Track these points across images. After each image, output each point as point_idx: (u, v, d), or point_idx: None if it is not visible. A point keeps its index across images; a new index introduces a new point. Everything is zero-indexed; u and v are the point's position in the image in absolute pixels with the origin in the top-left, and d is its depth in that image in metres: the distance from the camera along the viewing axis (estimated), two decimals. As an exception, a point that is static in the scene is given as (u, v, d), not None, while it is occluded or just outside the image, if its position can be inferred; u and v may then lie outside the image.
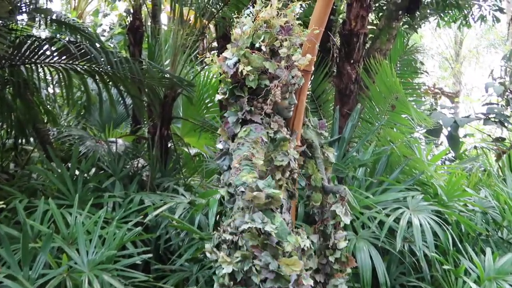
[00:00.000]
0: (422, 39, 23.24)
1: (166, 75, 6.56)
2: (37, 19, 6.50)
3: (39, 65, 6.40)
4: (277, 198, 2.52)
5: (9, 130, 7.65)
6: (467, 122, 9.18)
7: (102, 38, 12.38)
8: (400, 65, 6.86)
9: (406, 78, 7.00)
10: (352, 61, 5.89)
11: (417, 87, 7.42)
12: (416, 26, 9.14)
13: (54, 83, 6.94)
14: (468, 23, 10.08)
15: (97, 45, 6.42)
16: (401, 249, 4.54)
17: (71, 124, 9.31)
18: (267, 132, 2.98)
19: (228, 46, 3.07)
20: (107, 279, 4.07)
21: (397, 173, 5.15)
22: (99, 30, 13.43)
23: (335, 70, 6.42)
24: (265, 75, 2.98)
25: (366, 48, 6.30)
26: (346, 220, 3.18)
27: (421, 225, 4.44)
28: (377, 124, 5.62)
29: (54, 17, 6.41)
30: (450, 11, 9.55)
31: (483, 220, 5.36)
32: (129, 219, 5.14)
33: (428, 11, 9.15)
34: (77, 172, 5.77)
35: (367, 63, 5.94)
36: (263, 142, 2.88)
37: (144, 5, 8.95)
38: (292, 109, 3.16)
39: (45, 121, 7.81)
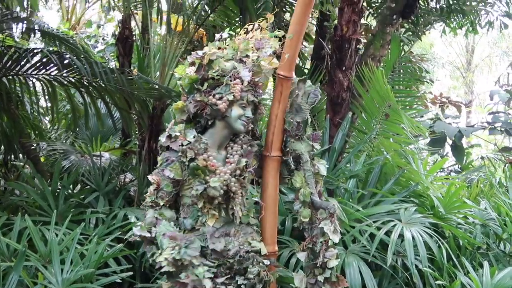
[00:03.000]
0: (432, 47, 23.18)
1: (154, 86, 6.52)
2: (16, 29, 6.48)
3: (21, 77, 6.37)
4: None
5: (-1, 146, 7.67)
6: (472, 132, 9.12)
7: (96, 50, 12.41)
8: (399, 73, 6.78)
9: (403, 85, 6.93)
10: (344, 68, 5.83)
11: (418, 95, 7.36)
12: (420, 33, 9.09)
13: (37, 95, 6.88)
14: (475, 30, 10.01)
15: (82, 56, 6.41)
16: (393, 264, 4.47)
17: (61, 138, 9.30)
18: (182, 161, 3.05)
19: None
20: (81, 299, 4.00)
21: (390, 184, 5.09)
22: (92, 42, 13.47)
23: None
24: (231, 77, 3.08)
25: (359, 54, 6.24)
26: (335, 238, 3.10)
27: (413, 238, 4.36)
28: (370, 133, 5.54)
29: (36, 27, 6.37)
30: (455, 18, 9.48)
31: (483, 233, 5.27)
32: (113, 236, 5.07)
33: (433, 17, 9.07)
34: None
35: (359, 70, 5.88)
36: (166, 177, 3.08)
37: (135, 15, 8.92)
38: (246, 124, 3.10)
39: (32, 135, 7.79)
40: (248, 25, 3.23)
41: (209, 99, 3.05)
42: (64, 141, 8.78)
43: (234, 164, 3.08)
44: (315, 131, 3.43)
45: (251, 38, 3.19)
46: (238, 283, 3.03)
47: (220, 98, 3.03)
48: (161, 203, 3.09)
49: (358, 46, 6.02)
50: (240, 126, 3.09)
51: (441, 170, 10.21)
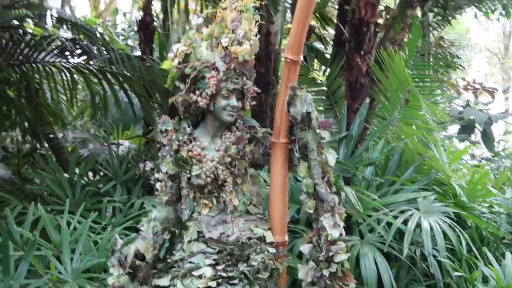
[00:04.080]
0: (468, 33, 22.75)
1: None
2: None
3: (39, 64, 6.40)
4: None
5: (23, 134, 7.75)
6: (502, 118, 8.93)
7: (121, 37, 12.46)
8: (422, 57, 6.64)
9: (428, 70, 6.79)
10: (362, 52, 5.72)
11: (443, 80, 7.22)
12: (450, 17, 8.89)
13: (56, 83, 6.91)
14: (508, 13, 9.76)
15: (100, 43, 6.42)
16: (411, 255, 4.38)
17: (85, 127, 9.37)
18: (170, 154, 3.11)
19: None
20: (91, 289, 4.00)
21: (410, 172, 4.99)
22: (118, 29, 13.53)
23: (350, 63, 6.26)
24: (208, 68, 3.01)
25: (379, 38, 6.13)
26: (334, 233, 2.99)
27: (431, 228, 4.26)
28: (389, 120, 5.45)
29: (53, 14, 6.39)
30: (486, 1, 9.25)
31: (508, 223, 5.14)
32: (130, 225, 5.07)
33: (462, 1, 8.87)
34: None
35: (378, 55, 5.77)
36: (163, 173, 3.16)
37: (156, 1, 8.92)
38: (233, 113, 3.05)
39: (53, 124, 7.85)
40: (222, 2, 3.13)
41: (191, 96, 3.02)
42: (87, 130, 8.85)
43: (222, 151, 3.05)
44: (336, 118, 3.35)
45: (227, 17, 3.06)
46: (240, 269, 3.00)
47: (201, 94, 3.00)
48: (164, 199, 3.20)
49: (376, 30, 5.90)
50: (227, 117, 3.05)
51: (473, 158, 10.06)
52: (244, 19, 3.02)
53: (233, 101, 3.03)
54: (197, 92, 3.00)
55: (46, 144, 7.82)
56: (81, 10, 17.79)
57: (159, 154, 3.17)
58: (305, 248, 3.13)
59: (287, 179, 3.25)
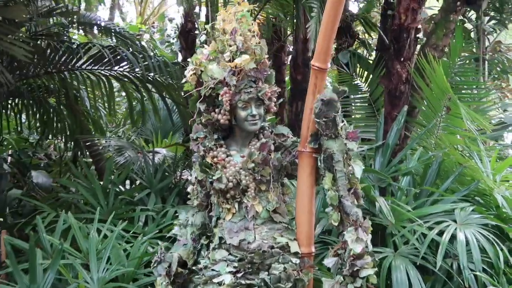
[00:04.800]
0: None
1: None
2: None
3: (77, 72, 6.56)
4: None
5: (65, 142, 7.93)
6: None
7: (164, 45, 12.61)
8: (469, 63, 6.55)
9: (474, 76, 6.70)
10: (402, 59, 5.65)
11: (502, 86, 7.09)
12: (506, 21, 8.70)
13: (94, 91, 7.07)
14: None
15: (138, 50, 6.53)
16: (447, 268, 4.31)
17: (127, 134, 9.52)
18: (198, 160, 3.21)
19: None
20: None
21: (449, 182, 4.93)
22: (164, 36, 13.71)
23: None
24: (221, 84, 3.07)
25: (420, 44, 6.06)
26: (357, 248, 2.96)
27: (468, 240, 4.19)
28: (427, 128, 5.39)
29: (86, 21, 6.54)
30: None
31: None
32: (163, 234, 5.12)
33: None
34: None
35: (419, 62, 5.70)
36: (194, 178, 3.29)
37: (198, 7, 9.00)
38: (255, 121, 3.08)
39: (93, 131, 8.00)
40: (218, 15, 3.15)
41: (212, 115, 3.11)
42: (127, 138, 8.98)
43: (246, 157, 3.09)
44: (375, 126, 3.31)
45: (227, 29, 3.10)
46: (261, 277, 3.02)
47: (220, 111, 3.08)
48: (196, 203, 3.33)
49: (417, 36, 5.84)
50: (250, 127, 3.10)
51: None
52: (240, 28, 3.06)
53: (252, 110, 3.07)
54: (216, 110, 3.09)
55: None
56: (129, 16, 18.01)
57: (192, 159, 3.27)
58: (329, 261, 3.10)
59: (314, 189, 3.23)
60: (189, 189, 3.34)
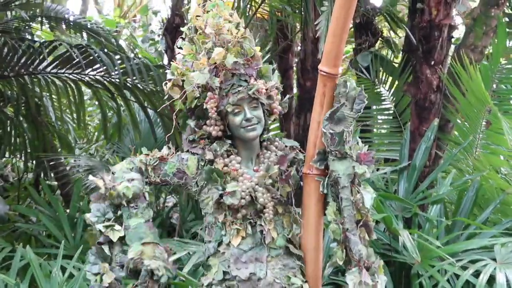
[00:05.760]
0: None
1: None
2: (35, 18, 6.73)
3: (39, 76, 6.61)
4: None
5: (25, 161, 7.95)
6: None
7: (147, 44, 12.68)
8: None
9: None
10: (432, 62, 5.71)
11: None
12: None
13: (60, 98, 7.14)
14: None
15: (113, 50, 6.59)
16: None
17: (99, 152, 9.56)
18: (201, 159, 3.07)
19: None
20: None
21: (488, 213, 4.99)
22: (147, 32, 13.77)
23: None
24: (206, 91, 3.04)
25: (455, 44, 6.11)
26: None
27: (510, 283, 4.24)
28: (461, 147, 5.44)
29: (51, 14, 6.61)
30: None
31: None
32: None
33: None
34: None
35: (452, 66, 5.76)
36: None
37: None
38: (253, 126, 3.00)
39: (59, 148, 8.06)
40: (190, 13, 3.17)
41: (204, 129, 3.07)
42: (101, 156, 9.02)
43: (263, 171, 3.02)
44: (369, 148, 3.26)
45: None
46: None
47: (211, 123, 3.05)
48: None
49: (451, 34, 5.89)
50: (248, 134, 3.01)
51: None
52: (213, 20, 3.04)
53: (246, 113, 3.01)
54: (207, 122, 3.04)
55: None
56: (106, 7, 18.09)
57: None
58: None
59: (322, 220, 3.17)
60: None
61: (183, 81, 3.04)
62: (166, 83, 3.06)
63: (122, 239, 2.97)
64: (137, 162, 3.05)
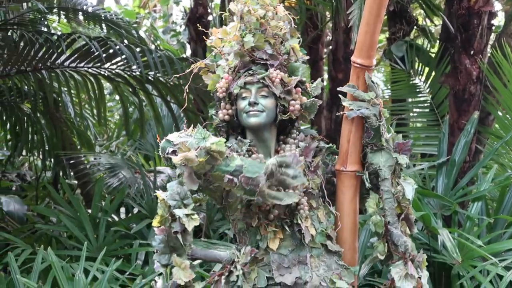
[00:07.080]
0: None
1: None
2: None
3: (58, 70, 6.65)
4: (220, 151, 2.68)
5: (43, 159, 8.00)
6: None
7: (169, 35, 12.72)
8: None
9: None
10: (472, 52, 5.70)
11: None
12: None
13: (79, 93, 7.19)
14: None
15: (134, 42, 6.62)
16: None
17: (120, 149, 9.60)
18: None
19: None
20: None
21: (532, 211, 4.97)
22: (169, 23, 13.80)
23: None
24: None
25: (496, 33, 6.10)
26: (405, 286, 3.04)
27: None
28: (502, 141, 5.43)
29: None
30: None
31: None
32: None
33: None
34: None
35: (493, 55, 5.75)
36: None
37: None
38: (255, 112, 2.95)
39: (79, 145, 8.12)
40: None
41: (217, 115, 3.08)
42: (122, 154, 9.06)
43: None
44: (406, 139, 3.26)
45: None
46: None
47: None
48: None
49: (491, 22, 5.88)
50: (247, 120, 2.97)
51: None
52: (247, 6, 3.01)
53: (252, 97, 2.97)
54: (219, 105, 3.07)
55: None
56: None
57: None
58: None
59: (358, 218, 3.22)
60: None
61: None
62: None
63: None
64: None
